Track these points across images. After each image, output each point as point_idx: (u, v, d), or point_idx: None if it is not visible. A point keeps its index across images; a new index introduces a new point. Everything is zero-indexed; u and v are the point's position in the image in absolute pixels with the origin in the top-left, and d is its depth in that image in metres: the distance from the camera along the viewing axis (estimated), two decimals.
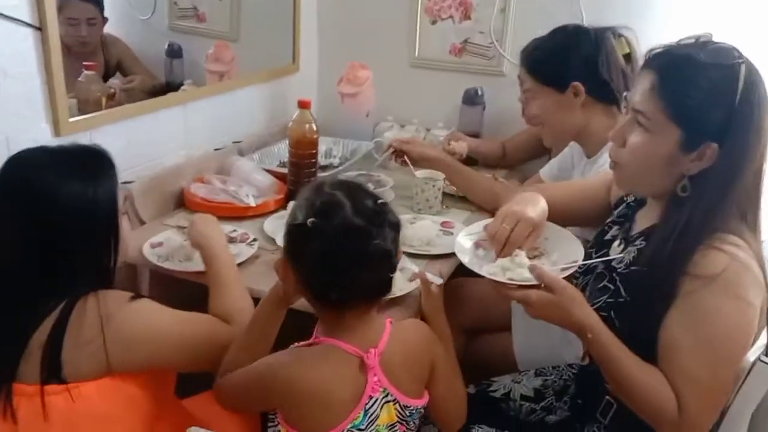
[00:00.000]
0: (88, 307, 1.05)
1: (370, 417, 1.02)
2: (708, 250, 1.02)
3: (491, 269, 1.14)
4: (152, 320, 1.11)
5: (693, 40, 1.08)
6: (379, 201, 1.02)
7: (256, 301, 1.32)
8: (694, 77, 1.03)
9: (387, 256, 0.99)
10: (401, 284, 1.31)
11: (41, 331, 1.04)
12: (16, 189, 1.06)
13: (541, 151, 2.06)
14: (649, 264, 1.08)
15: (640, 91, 1.09)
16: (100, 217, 1.09)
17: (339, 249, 0.96)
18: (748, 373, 1.05)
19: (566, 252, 1.21)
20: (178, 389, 1.27)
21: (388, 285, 1.04)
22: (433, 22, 2.25)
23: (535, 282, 1.08)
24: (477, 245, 1.26)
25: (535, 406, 1.34)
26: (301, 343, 1.08)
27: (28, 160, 1.09)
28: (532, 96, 1.65)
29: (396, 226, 1.03)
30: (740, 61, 1.02)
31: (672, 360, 1.03)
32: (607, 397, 1.20)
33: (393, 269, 1.02)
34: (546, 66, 1.60)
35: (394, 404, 1.05)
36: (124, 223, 1.17)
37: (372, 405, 1.02)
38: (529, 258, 1.18)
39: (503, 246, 1.19)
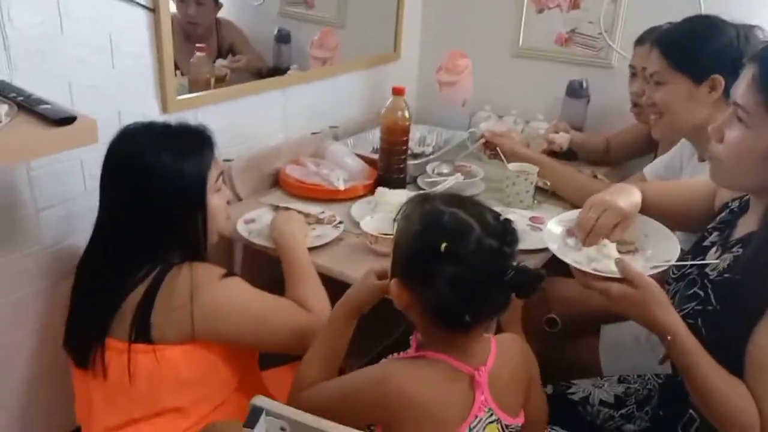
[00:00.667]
0: (181, 275, 1.12)
1: None
2: None
3: (577, 257, 1.11)
4: (237, 298, 1.16)
5: None
6: (501, 217, 0.98)
7: (334, 281, 1.36)
8: None
9: (524, 275, 0.93)
10: None
11: (135, 294, 1.12)
12: (116, 159, 1.16)
13: (647, 150, 1.96)
14: (742, 271, 1.01)
15: (742, 84, 1.02)
16: (186, 191, 1.15)
17: (477, 273, 0.91)
18: None
19: (662, 250, 1.16)
20: (261, 360, 1.33)
21: (508, 306, 0.99)
22: (540, 11, 2.19)
23: (619, 275, 1.04)
24: (568, 233, 1.23)
25: (614, 413, 1.28)
26: (401, 354, 1.06)
27: (131, 133, 1.18)
28: (659, 80, 1.48)
29: (518, 241, 0.97)
30: None
31: (759, 377, 0.97)
32: (691, 411, 1.14)
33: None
34: (685, 51, 1.44)
35: (497, 424, 1.01)
36: (216, 200, 1.22)
37: (476, 425, 0.99)
38: (623, 252, 1.14)
39: (588, 234, 1.16)
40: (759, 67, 1.00)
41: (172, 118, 1.43)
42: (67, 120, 1.09)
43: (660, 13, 1.80)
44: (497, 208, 1.59)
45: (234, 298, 1.16)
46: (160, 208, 1.13)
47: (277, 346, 1.21)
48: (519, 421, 1.05)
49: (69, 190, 1.39)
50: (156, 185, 1.12)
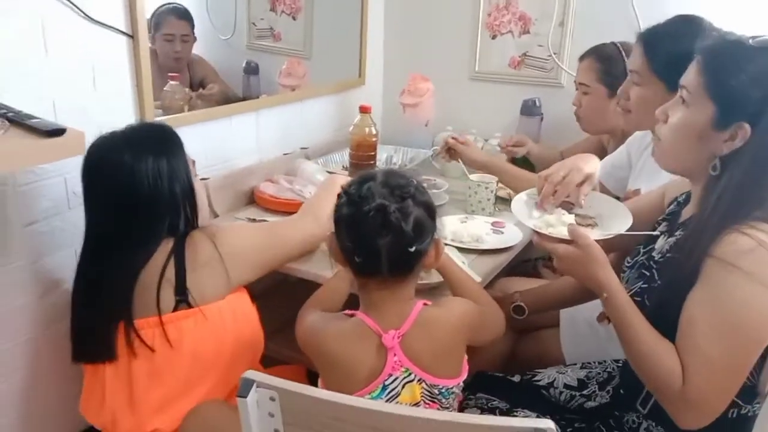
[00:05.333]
0: (195, 238, 1.24)
1: (389, 393, 1.07)
2: (735, 233, 1.03)
3: (537, 222, 1.23)
4: (248, 231, 1.38)
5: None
6: (413, 180, 1.09)
7: (313, 285, 1.43)
8: (737, 57, 1.07)
9: (399, 226, 1.03)
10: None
11: (151, 271, 1.21)
12: (98, 174, 1.24)
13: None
14: (678, 249, 1.11)
15: (690, 71, 1.13)
16: (176, 185, 1.25)
17: (359, 213, 1.04)
18: None
19: (616, 226, 1.26)
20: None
21: (406, 261, 1.07)
22: (493, 37, 2.34)
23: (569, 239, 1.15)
24: (536, 205, 1.36)
25: (576, 394, 1.37)
26: (347, 311, 1.16)
27: (105, 147, 1.25)
28: (636, 81, 1.51)
29: (425, 206, 1.08)
30: None
31: (688, 336, 1.04)
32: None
33: (410, 243, 1.05)
34: (670, 58, 1.36)
35: (419, 383, 1.08)
36: (197, 185, 1.33)
37: (392, 382, 1.07)
38: (582, 225, 1.25)
39: (554, 188, 1.32)
40: (704, 55, 1.11)
41: None
42: (57, 132, 1.16)
43: (603, 33, 1.96)
44: (461, 215, 1.73)
45: (246, 232, 1.36)
46: (157, 206, 1.23)
47: (295, 256, 1.41)
48: (452, 382, 1.12)
49: (53, 206, 1.45)
50: (145, 186, 1.21)
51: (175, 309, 1.20)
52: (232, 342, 1.26)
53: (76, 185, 1.45)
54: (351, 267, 1.11)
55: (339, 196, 1.10)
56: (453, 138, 1.94)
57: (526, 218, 1.28)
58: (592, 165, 1.38)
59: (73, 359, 1.27)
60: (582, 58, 1.96)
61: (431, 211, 1.10)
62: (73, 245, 1.48)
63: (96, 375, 1.27)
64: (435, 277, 1.37)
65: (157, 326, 1.19)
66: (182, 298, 1.20)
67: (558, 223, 1.22)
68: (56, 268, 1.47)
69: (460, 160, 1.89)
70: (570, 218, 1.23)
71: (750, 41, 1.08)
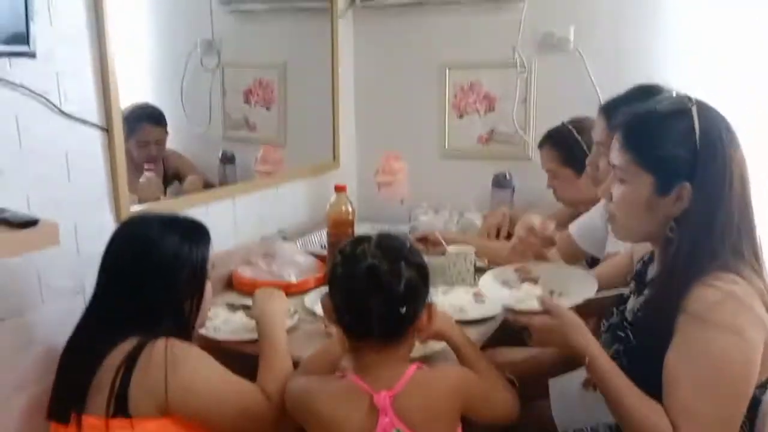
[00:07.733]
0: (156, 350, 1.17)
1: None
2: (703, 287, 1.05)
3: (508, 300, 1.24)
4: (210, 379, 1.22)
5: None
6: (406, 242, 1.12)
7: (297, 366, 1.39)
8: (654, 125, 1.13)
9: (391, 286, 1.05)
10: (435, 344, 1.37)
11: (108, 368, 1.16)
12: (126, 239, 1.27)
13: None
14: (648, 307, 1.14)
15: (613, 150, 1.19)
16: (190, 273, 1.25)
17: (351, 273, 1.06)
18: None
19: (582, 292, 1.28)
20: None
21: (398, 323, 1.08)
22: (460, 117, 2.43)
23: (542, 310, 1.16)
24: (502, 283, 1.38)
25: None
26: (338, 373, 1.16)
27: (139, 218, 1.32)
28: (604, 152, 1.50)
29: (418, 268, 1.09)
30: (691, 104, 1.11)
31: (672, 394, 1.04)
32: None
33: (401, 304, 1.06)
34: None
35: None
36: (209, 288, 1.32)
37: None
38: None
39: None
40: (622, 132, 1.17)
41: None
42: (30, 223, 1.16)
43: (566, 108, 2.03)
44: (442, 288, 1.73)
45: (208, 378, 1.21)
46: (156, 283, 1.22)
47: (236, 430, 1.26)
48: None
49: (23, 302, 1.41)
50: (166, 264, 1.22)
51: (115, 415, 1.15)
52: None
53: (50, 279, 1.44)
54: (343, 329, 1.11)
55: (334, 255, 1.12)
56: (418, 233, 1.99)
57: (497, 298, 1.31)
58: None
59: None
60: (540, 145, 2.02)
61: (424, 274, 1.11)
62: (44, 342, 1.43)
63: None
64: (420, 351, 1.36)
65: (100, 429, 1.15)
66: (120, 406, 1.14)
67: (527, 298, 1.23)
68: (26, 367, 1.41)
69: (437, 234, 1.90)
70: (538, 291, 1.25)
71: (657, 107, 1.14)
